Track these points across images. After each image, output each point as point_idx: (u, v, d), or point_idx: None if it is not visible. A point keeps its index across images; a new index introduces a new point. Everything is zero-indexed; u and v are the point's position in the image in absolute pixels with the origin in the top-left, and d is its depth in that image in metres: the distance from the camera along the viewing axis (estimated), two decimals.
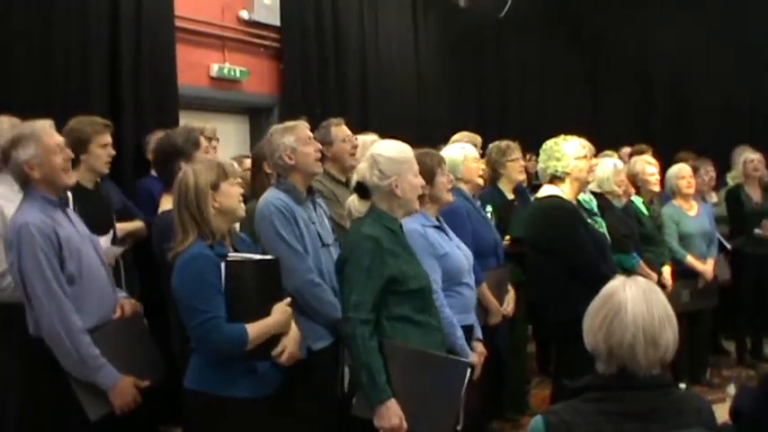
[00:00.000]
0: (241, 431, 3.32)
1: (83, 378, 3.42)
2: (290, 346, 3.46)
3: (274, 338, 3.40)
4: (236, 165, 3.89)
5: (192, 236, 3.29)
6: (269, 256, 3.59)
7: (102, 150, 4.67)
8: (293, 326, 3.52)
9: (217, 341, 3.22)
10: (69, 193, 3.79)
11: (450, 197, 4.40)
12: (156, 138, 5.70)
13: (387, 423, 3.27)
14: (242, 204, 3.46)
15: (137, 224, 5.14)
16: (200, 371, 3.34)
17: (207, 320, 3.20)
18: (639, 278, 2.36)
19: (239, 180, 3.53)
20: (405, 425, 3.28)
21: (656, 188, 6.81)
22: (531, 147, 7.07)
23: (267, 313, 3.36)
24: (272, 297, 3.42)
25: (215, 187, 3.34)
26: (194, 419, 3.40)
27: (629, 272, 5.43)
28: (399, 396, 3.30)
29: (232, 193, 3.40)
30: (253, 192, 4.69)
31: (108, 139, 4.71)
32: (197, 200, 3.30)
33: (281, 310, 3.41)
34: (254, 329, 3.27)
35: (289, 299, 3.49)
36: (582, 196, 5.62)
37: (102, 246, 3.72)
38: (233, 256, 3.34)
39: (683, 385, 6.52)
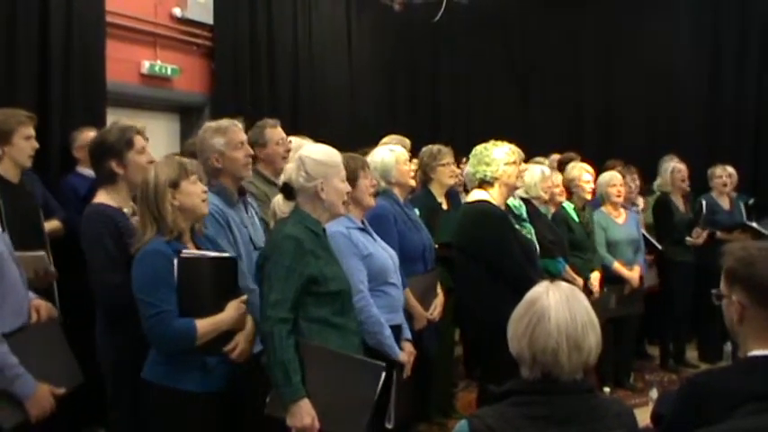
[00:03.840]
0: (186, 423, 3.35)
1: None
2: (242, 342, 3.48)
3: (228, 334, 3.42)
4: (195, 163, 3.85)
5: (150, 232, 3.34)
6: (226, 254, 3.60)
7: (26, 143, 4.59)
8: (249, 323, 3.54)
9: (165, 335, 3.27)
10: None
11: (372, 201, 4.40)
12: (83, 135, 5.63)
13: (299, 422, 3.28)
14: (205, 202, 3.50)
15: (53, 224, 5.04)
16: (153, 363, 3.39)
17: (156, 314, 3.24)
18: (563, 284, 2.38)
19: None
20: (317, 425, 3.29)
21: (589, 196, 6.90)
22: (463, 150, 7.11)
23: (220, 310, 3.39)
24: (227, 294, 3.44)
25: (174, 185, 3.38)
26: (146, 410, 3.43)
27: (554, 277, 5.51)
28: (313, 396, 3.31)
29: (192, 192, 3.44)
30: None
31: (31, 131, 4.63)
32: (156, 197, 3.35)
33: (234, 306, 3.44)
34: (204, 325, 3.30)
35: (244, 296, 3.51)
36: (511, 202, 5.67)
37: (7, 241, 3.57)
38: (187, 252, 3.36)
39: (607, 389, 6.65)
